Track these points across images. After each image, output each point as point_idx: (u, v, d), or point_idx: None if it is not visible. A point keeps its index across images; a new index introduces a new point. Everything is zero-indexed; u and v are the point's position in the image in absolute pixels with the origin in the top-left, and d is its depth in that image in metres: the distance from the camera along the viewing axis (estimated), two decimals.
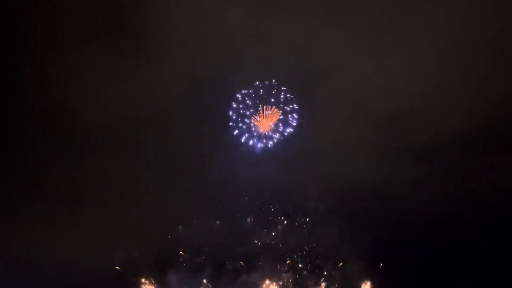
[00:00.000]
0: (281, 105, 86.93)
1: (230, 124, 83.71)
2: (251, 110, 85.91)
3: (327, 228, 70.02)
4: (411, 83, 65.02)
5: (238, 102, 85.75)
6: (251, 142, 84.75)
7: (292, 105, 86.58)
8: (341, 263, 67.22)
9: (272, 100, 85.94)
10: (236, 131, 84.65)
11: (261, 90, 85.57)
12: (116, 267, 64.57)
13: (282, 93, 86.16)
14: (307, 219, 73.50)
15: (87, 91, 66.66)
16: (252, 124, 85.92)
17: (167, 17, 65.53)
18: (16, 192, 64.20)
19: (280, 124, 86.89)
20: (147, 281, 65.89)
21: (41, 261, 61.20)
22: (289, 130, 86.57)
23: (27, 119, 64.89)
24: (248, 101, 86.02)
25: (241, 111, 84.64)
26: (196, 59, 68.29)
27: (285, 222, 73.44)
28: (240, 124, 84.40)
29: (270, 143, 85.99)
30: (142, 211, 66.62)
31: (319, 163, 70.06)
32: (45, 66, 64.56)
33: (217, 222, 72.21)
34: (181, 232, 69.68)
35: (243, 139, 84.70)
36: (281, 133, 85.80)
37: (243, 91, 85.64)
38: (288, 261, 68.67)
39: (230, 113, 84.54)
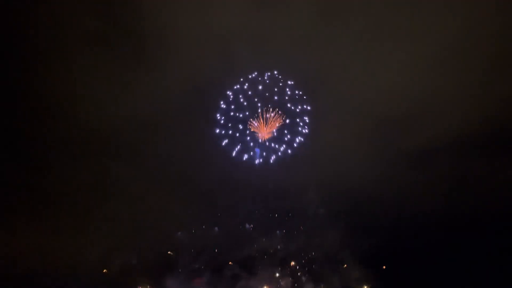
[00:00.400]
0: (289, 105, 64.53)
1: (217, 131, 64.18)
2: (247, 113, 64.56)
3: (327, 232, 68.63)
4: (411, 86, 64.67)
5: (228, 102, 64.83)
6: (245, 156, 64.10)
7: (303, 105, 64.39)
8: (345, 265, 65.63)
9: (276, 98, 64.44)
10: (225, 141, 64.39)
11: (260, 86, 63.95)
12: (104, 270, 62.52)
13: (288, 89, 64.84)
14: (307, 223, 70.28)
15: (87, 95, 66.33)
16: (247, 132, 65.07)
17: (166, 20, 65.25)
18: (15, 194, 63.63)
19: (286, 131, 65.07)
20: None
21: (37, 266, 60.29)
22: (299, 140, 64.77)
23: (27, 122, 64.54)
24: (242, 100, 64.47)
25: (231, 114, 64.47)
26: (195, 62, 66.99)
27: (284, 227, 70.09)
28: (231, 132, 64.26)
29: (273, 156, 64.51)
30: (141, 216, 65.51)
31: (318, 167, 68.28)
32: (45, 69, 64.35)
33: (216, 228, 68.48)
34: (181, 237, 67.26)
35: (234, 153, 64.82)
36: (289, 145, 64.55)
37: (235, 87, 64.79)
38: (291, 264, 66.57)
39: (218, 116, 64.70)
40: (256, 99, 64.91)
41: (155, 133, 68.38)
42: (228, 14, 64.68)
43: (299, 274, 65.76)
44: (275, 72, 65.88)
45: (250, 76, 65.39)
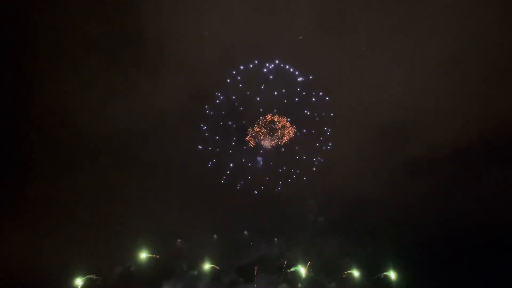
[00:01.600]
0: (304, 110, 47.75)
1: (200, 147, 49.39)
2: (244, 122, 47.54)
3: (327, 240, 68.86)
4: (413, 95, 64.21)
5: (215, 107, 48.39)
6: (239, 184, 48.39)
7: (321, 112, 47.72)
8: (344, 275, 65.99)
9: (286, 101, 47.02)
10: (213, 161, 48.93)
11: (262, 86, 46.52)
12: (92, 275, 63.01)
13: (300, 88, 47.28)
14: (306, 231, 70.26)
15: (86, 101, 66.25)
16: (244, 147, 47.51)
17: (166, 25, 64.56)
18: (14, 201, 64.10)
19: (297, 147, 47.93)
20: None
21: (33, 274, 60.95)
22: (317, 161, 48.73)
23: (24, 127, 64.62)
24: (235, 102, 47.22)
25: (220, 123, 47.91)
26: (196, 68, 65.86)
27: (284, 234, 69.88)
28: (218, 149, 48.12)
29: (280, 184, 48.83)
30: (139, 224, 65.85)
31: (318, 175, 67.40)
32: (43, 75, 64.12)
33: (215, 235, 68.47)
34: (180, 245, 67.57)
35: (223, 179, 49.31)
36: (308, 167, 48.32)
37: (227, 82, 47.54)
38: (289, 270, 66.95)
39: (202, 125, 49.20)
40: (258, 98, 47.07)
41: (156, 142, 68.22)
42: (229, 19, 63.76)
43: (297, 278, 66.37)
44: (282, 65, 47.33)
45: (242, 67, 47.02)
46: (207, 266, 66.47)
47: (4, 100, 63.96)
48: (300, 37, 55.54)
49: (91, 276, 63.87)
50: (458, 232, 65.85)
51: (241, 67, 49.82)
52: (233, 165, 49.06)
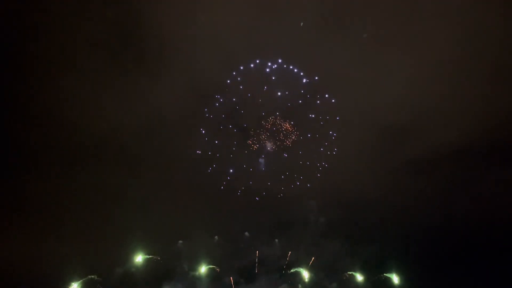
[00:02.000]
0: (307, 113, 45.88)
1: (198, 152, 47.00)
2: (245, 125, 45.34)
3: (327, 241, 68.65)
4: (413, 96, 64.20)
5: (216, 109, 45.83)
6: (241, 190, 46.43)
7: (326, 115, 45.75)
8: (344, 276, 65.90)
9: (289, 104, 44.93)
10: (213, 166, 46.50)
11: (265, 87, 44.12)
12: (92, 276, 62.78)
13: (305, 91, 45.68)
14: (307, 232, 70.02)
15: (87, 104, 65.77)
16: (245, 151, 45.27)
17: (167, 25, 64.20)
18: (14, 201, 63.57)
19: (300, 152, 46.24)
20: None
21: (33, 274, 60.54)
22: (321, 166, 47.32)
23: (25, 130, 64.17)
24: (237, 106, 44.86)
25: (221, 126, 45.65)
26: (198, 68, 65.40)
27: (284, 235, 69.62)
28: (218, 155, 45.60)
29: (282, 190, 47.36)
30: (141, 225, 65.55)
31: (319, 175, 67.26)
32: (44, 78, 63.73)
33: (216, 237, 68.24)
34: (181, 247, 67.36)
35: (223, 185, 47.41)
36: (312, 173, 46.41)
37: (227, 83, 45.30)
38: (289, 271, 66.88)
39: (202, 129, 46.46)
40: (260, 100, 45.49)
41: (157, 142, 67.76)
42: (230, 18, 63.37)
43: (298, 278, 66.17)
44: (289, 66, 45.35)
45: (241, 67, 45.12)
46: (208, 267, 66.39)
47: (4, 100, 63.60)
48: (301, 23, 54.45)
49: (92, 276, 63.84)
50: (458, 232, 65.95)
51: (241, 68, 48.34)
52: (234, 169, 47.90)
